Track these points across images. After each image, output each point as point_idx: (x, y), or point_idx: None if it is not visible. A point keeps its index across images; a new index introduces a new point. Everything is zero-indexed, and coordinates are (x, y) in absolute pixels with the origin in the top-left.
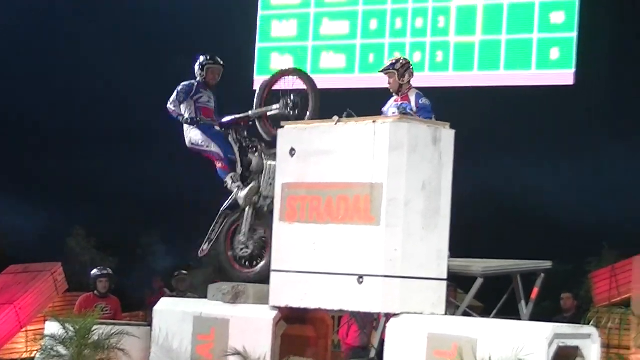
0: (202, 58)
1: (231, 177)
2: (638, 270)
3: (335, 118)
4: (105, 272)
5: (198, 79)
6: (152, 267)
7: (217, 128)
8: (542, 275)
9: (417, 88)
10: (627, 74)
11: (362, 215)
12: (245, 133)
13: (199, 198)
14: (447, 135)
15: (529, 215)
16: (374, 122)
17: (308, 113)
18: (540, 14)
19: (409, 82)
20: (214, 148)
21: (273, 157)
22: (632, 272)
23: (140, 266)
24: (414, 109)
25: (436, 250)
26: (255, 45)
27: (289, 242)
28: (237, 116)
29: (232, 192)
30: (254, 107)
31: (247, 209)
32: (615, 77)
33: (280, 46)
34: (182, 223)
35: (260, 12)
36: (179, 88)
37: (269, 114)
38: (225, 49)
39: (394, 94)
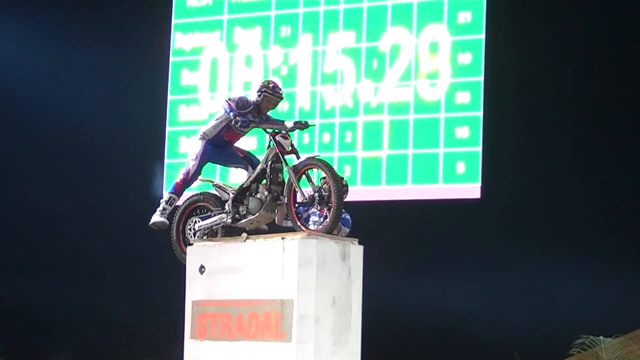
0: (262, 82)
1: (171, 198)
2: None
3: (244, 235)
4: None
5: (253, 100)
6: None
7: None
8: None
9: None
10: (531, 187)
11: (273, 332)
12: (278, 175)
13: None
14: (356, 250)
15: (439, 331)
16: (282, 238)
17: (327, 219)
18: (445, 129)
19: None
20: (192, 167)
21: (268, 212)
22: None
23: None
24: None
25: None
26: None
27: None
28: (282, 154)
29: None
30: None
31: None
32: (519, 191)
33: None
34: (91, 343)
35: (168, 129)
36: (245, 97)
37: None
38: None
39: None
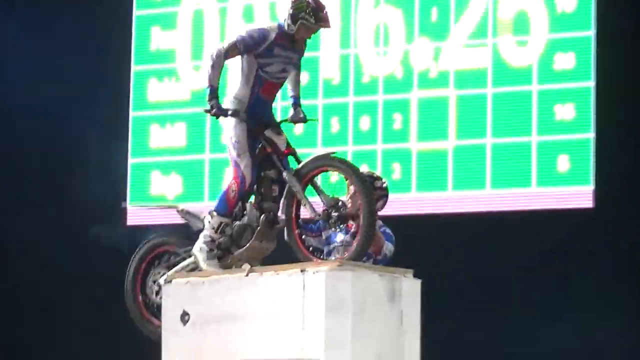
0: (300, 5)
1: (223, 224)
2: None
3: (247, 267)
4: None
5: (284, 28)
6: None
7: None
8: None
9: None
10: None
11: None
12: (272, 188)
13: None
14: (411, 287)
15: None
16: (302, 271)
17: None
18: (540, 107)
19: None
20: (244, 168)
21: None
22: None
23: None
24: None
25: None
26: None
27: None
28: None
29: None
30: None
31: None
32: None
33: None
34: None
35: (132, 114)
36: (247, 32)
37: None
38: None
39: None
